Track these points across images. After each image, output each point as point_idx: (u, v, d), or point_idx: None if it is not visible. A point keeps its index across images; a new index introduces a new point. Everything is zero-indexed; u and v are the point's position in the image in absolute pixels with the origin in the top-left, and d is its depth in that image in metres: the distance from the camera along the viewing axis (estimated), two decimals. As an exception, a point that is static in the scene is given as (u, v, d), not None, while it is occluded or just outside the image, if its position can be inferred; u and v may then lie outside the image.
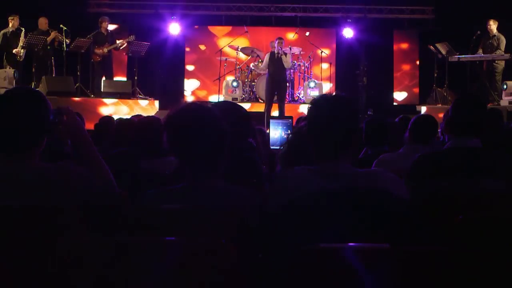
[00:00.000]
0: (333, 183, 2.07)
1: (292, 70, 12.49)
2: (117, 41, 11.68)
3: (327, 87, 13.01)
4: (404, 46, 14.56)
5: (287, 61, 10.73)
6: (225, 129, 2.20)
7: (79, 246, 1.79)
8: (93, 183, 2.30)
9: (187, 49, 14.29)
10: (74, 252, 1.77)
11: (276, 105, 10.79)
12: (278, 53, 10.65)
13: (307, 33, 13.14)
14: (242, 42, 13.32)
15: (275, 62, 10.64)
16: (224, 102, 8.64)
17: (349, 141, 2.17)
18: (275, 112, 10.71)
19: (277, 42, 10.74)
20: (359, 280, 1.67)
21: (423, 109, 10.86)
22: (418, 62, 14.40)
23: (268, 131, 7.19)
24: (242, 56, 12.90)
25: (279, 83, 10.68)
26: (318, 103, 2.23)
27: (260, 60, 12.40)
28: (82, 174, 2.29)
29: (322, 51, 12.90)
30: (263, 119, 9.84)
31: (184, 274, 1.74)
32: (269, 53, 10.92)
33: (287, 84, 11.34)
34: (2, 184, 2.20)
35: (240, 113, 3.18)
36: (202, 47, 14.36)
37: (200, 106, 2.26)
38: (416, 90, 14.34)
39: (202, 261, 1.74)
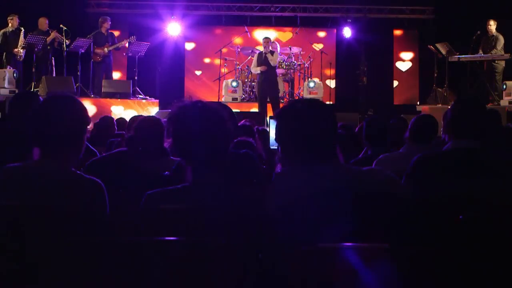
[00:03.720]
0: (333, 182, 2.08)
1: (292, 70, 12.50)
2: (118, 42, 11.70)
3: (327, 87, 13.02)
4: (404, 46, 14.56)
5: (272, 59, 10.74)
6: (229, 128, 2.20)
7: (80, 246, 1.79)
8: (104, 211, 2.31)
9: (187, 49, 14.30)
10: (74, 252, 1.77)
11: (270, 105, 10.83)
12: (264, 52, 10.71)
13: (297, 31, 13.17)
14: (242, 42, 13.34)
15: (263, 62, 10.70)
16: (211, 102, 8.67)
17: (331, 140, 2.18)
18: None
19: (263, 41, 10.84)
20: (359, 280, 1.67)
21: (423, 109, 10.86)
22: (418, 62, 14.40)
23: (268, 130, 7.19)
24: (242, 56, 12.92)
25: (268, 83, 10.70)
26: (291, 110, 2.24)
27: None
28: (103, 198, 2.30)
29: (322, 51, 12.91)
30: (262, 119, 9.85)
31: (184, 274, 1.74)
32: (257, 53, 11.00)
33: (277, 83, 11.31)
34: (31, 184, 2.23)
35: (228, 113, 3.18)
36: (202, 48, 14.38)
37: (206, 104, 2.26)
38: (416, 90, 14.34)
39: (202, 261, 1.74)
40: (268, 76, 10.69)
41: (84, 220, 2.14)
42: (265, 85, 10.67)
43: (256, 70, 10.83)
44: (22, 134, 3.37)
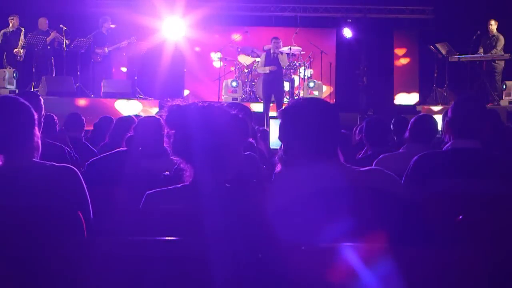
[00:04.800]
0: (333, 182, 2.08)
1: (292, 70, 12.51)
2: (118, 42, 11.70)
3: (327, 87, 13.02)
4: (404, 46, 14.56)
5: (283, 60, 10.76)
6: (233, 129, 2.20)
7: (79, 246, 1.79)
8: (84, 195, 2.34)
9: (187, 48, 14.30)
10: (73, 252, 1.77)
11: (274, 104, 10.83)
12: (274, 52, 10.69)
13: (296, 31, 13.16)
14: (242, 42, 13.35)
15: (271, 61, 10.68)
16: (229, 102, 8.68)
17: (333, 139, 2.18)
18: (273, 112, 10.72)
19: (273, 42, 10.80)
20: (359, 280, 1.67)
21: (423, 109, 10.86)
22: (418, 62, 14.41)
23: (268, 130, 7.21)
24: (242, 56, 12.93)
25: (275, 83, 10.70)
26: (295, 108, 2.24)
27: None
28: (80, 182, 2.33)
29: (322, 51, 12.91)
30: (263, 119, 9.86)
31: (184, 275, 1.74)
32: (264, 53, 10.98)
33: (284, 84, 11.34)
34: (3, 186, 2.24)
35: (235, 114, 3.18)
36: (199, 48, 14.37)
37: (208, 104, 2.25)
38: (416, 90, 14.35)
39: (202, 261, 1.74)
40: (277, 76, 10.70)
41: (66, 207, 2.15)
42: (272, 85, 10.65)
43: (264, 69, 10.79)
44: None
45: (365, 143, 4.64)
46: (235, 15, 13.98)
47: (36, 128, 2.39)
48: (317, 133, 2.15)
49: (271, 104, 10.87)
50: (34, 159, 2.34)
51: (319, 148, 2.15)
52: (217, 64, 12.93)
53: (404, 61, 14.54)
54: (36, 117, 2.39)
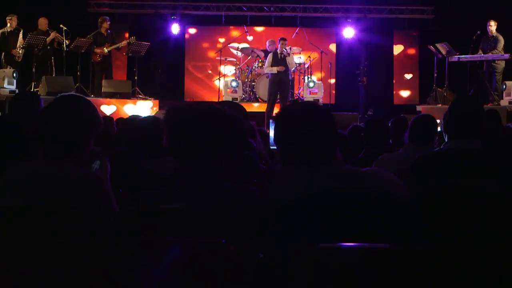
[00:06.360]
0: (333, 182, 2.08)
1: (292, 70, 12.53)
2: (118, 42, 11.69)
3: (327, 87, 13.02)
4: (404, 46, 14.57)
5: (291, 62, 10.81)
6: (228, 129, 2.20)
7: (80, 246, 1.79)
8: (111, 202, 2.36)
9: (187, 48, 14.30)
10: (74, 252, 1.77)
11: (278, 105, 10.83)
12: (281, 53, 10.69)
13: (295, 33, 13.13)
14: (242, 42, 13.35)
15: (279, 62, 10.67)
16: (225, 101, 8.67)
17: (329, 141, 2.18)
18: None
19: (280, 43, 10.78)
20: (359, 280, 1.67)
21: (423, 109, 10.86)
22: (418, 62, 14.41)
23: (268, 131, 7.21)
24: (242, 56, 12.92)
25: (282, 84, 10.70)
26: (288, 112, 2.24)
27: (260, 60, 12.41)
28: (107, 190, 2.36)
29: (322, 51, 12.91)
30: (263, 119, 9.86)
31: (184, 274, 1.74)
32: (271, 53, 10.93)
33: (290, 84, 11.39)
34: (43, 184, 2.26)
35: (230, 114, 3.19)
36: (202, 46, 14.37)
37: (204, 104, 2.26)
38: (416, 90, 14.35)
39: (201, 261, 1.74)
40: (284, 77, 10.73)
41: (90, 214, 2.16)
42: (279, 86, 10.67)
43: (272, 70, 10.78)
44: (23, 134, 3.39)
45: (364, 143, 4.64)
46: (235, 15, 13.98)
47: (92, 138, 2.40)
48: (311, 136, 2.14)
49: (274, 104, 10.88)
50: (73, 165, 2.34)
51: (314, 151, 2.15)
52: (217, 63, 12.92)
53: (404, 61, 14.54)
54: (98, 126, 2.40)
